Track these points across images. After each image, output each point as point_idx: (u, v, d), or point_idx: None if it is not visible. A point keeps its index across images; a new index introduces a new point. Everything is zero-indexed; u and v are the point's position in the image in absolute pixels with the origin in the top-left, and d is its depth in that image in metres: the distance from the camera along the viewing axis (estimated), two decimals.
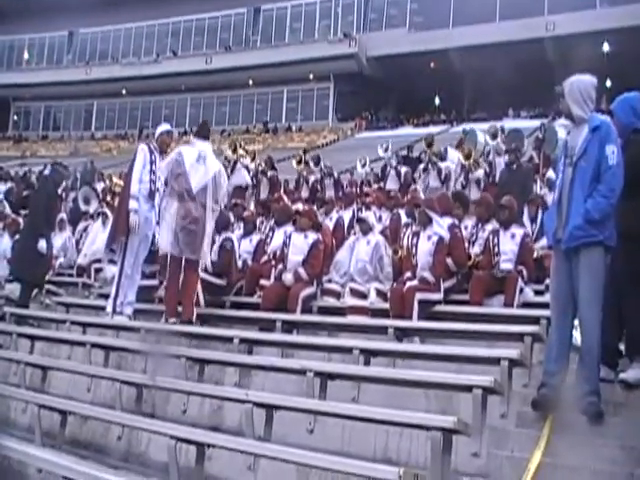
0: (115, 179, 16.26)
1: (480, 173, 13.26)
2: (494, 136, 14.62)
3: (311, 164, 17.79)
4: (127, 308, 8.17)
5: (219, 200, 8.35)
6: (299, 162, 17.44)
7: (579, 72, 5.23)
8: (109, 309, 8.11)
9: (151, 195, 8.31)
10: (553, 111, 34.46)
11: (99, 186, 16.43)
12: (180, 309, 7.89)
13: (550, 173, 11.37)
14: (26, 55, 56.27)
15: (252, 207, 12.89)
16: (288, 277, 8.36)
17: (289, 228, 9.31)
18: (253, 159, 17.45)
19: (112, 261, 8.76)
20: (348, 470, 4.09)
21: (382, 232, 9.41)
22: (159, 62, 51.20)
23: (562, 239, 4.89)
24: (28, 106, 56.73)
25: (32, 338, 8.12)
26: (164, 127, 8.85)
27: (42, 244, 9.40)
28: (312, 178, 16.36)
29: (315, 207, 12.23)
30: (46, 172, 14.87)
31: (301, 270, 8.37)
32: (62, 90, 52.38)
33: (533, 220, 9.45)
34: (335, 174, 16.79)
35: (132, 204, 8.12)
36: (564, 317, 4.95)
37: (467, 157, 13.52)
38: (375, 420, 4.66)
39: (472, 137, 15.90)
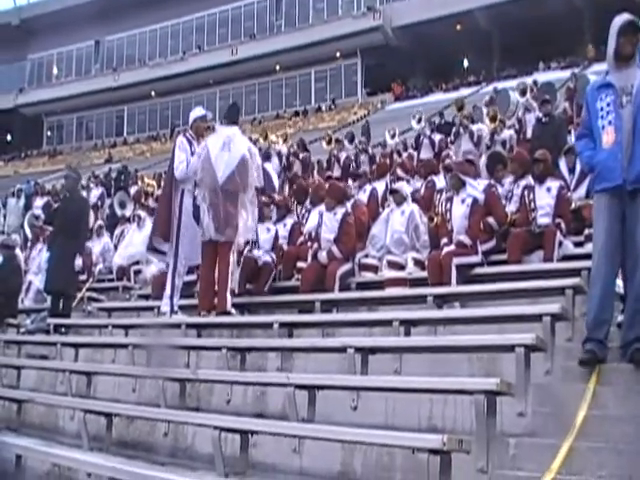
0: (147, 180, 16.37)
1: (506, 134, 13.00)
2: (523, 92, 14.35)
3: (345, 142, 17.67)
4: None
5: (251, 181, 7.91)
6: (329, 142, 17.33)
7: (611, 16, 5.00)
8: (166, 309, 7.97)
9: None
10: (585, 60, 33.75)
11: (133, 189, 16.54)
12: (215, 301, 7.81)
13: None
14: (55, 70, 57.07)
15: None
16: (322, 255, 8.30)
17: (323, 207, 9.23)
18: (285, 141, 17.41)
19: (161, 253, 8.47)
20: (391, 442, 4.07)
21: (414, 199, 9.26)
22: (185, 59, 51.34)
23: (627, 180, 4.66)
24: (60, 120, 57.43)
25: (76, 346, 8.19)
26: (197, 112, 8.61)
27: (79, 262, 9.39)
28: (343, 155, 16.20)
29: (350, 182, 12.17)
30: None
31: (334, 248, 8.28)
32: (92, 99, 53.01)
33: (571, 170, 9.19)
34: (370, 150, 16.58)
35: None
36: (611, 265, 4.76)
37: (492, 120, 13.28)
38: (417, 390, 4.59)
39: (504, 97, 15.59)
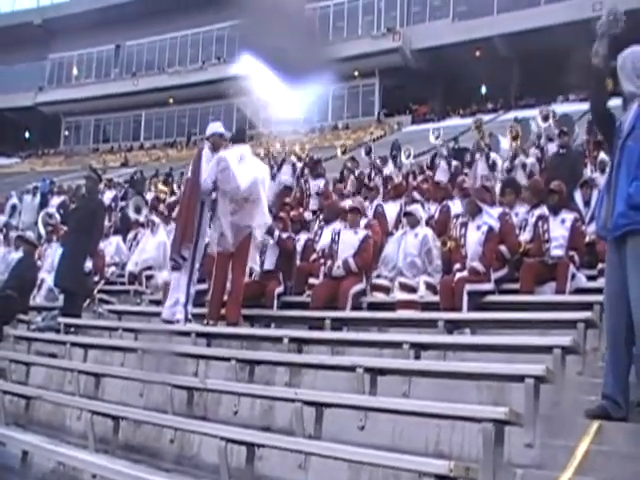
0: (160, 186, 16.45)
1: (528, 161, 12.97)
2: (546, 118, 14.31)
3: (362, 153, 17.70)
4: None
5: (263, 198, 8.19)
6: (344, 152, 17.30)
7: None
8: (180, 316, 8.04)
9: (214, 201, 8.25)
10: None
11: (149, 195, 16.62)
12: (224, 312, 7.89)
13: (602, 155, 11.12)
14: (75, 71, 57.38)
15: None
16: (338, 268, 8.32)
17: (337, 225, 9.26)
18: (300, 159, 17.47)
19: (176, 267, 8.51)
20: (399, 465, 4.05)
21: (428, 223, 9.30)
22: (205, 69, 51.59)
23: (610, 227, 4.37)
24: (78, 121, 57.73)
25: (85, 347, 8.24)
26: (217, 127, 8.70)
27: (89, 264, 9.43)
28: (357, 171, 16.18)
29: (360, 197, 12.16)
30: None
31: (351, 260, 8.33)
32: (111, 103, 53.26)
33: (586, 203, 9.24)
34: (384, 171, 16.47)
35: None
36: (616, 315, 4.43)
37: (515, 138, 13.28)
38: (426, 414, 4.58)
39: (525, 126, 15.60)
